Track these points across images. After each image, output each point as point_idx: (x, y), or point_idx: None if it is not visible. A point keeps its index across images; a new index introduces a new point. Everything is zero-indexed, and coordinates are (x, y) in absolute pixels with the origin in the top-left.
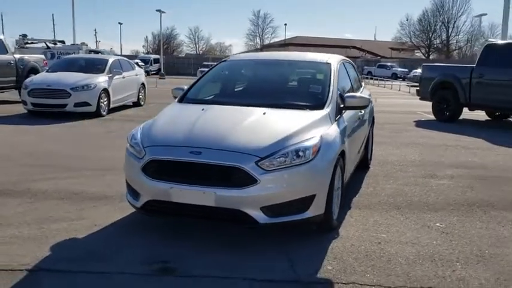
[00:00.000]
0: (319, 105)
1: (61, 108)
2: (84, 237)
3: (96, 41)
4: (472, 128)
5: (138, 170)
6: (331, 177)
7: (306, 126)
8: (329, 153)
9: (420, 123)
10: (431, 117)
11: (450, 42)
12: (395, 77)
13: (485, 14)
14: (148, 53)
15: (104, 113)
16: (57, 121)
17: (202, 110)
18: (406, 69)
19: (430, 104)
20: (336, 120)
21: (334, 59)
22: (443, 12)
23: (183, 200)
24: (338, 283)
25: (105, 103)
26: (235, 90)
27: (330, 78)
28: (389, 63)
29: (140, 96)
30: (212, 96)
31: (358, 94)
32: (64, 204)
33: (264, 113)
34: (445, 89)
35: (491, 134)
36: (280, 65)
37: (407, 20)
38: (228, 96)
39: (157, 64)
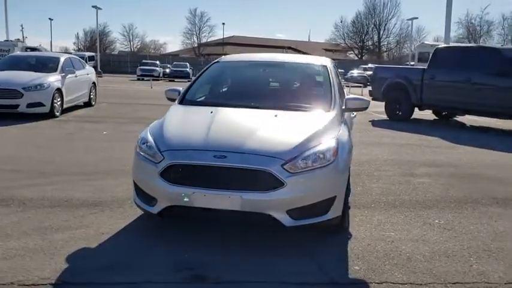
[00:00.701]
0: (326, 108)
1: (13, 109)
2: (96, 247)
3: (23, 37)
4: (426, 127)
5: (154, 175)
6: (347, 178)
7: (321, 129)
8: (345, 155)
9: (376, 123)
10: (384, 116)
11: (381, 44)
12: None
13: (417, 18)
14: (79, 50)
15: (58, 113)
16: (11, 122)
17: (211, 112)
18: (342, 70)
19: (378, 103)
20: (342, 122)
21: (328, 62)
22: (375, 15)
23: (207, 205)
24: (372, 283)
25: (58, 103)
26: (237, 92)
27: (330, 80)
28: None
29: (91, 96)
30: (214, 98)
31: (358, 96)
32: (58, 212)
33: (276, 116)
34: (398, 90)
35: (446, 133)
36: (277, 66)
37: (341, 21)
38: (232, 98)
39: (92, 62)
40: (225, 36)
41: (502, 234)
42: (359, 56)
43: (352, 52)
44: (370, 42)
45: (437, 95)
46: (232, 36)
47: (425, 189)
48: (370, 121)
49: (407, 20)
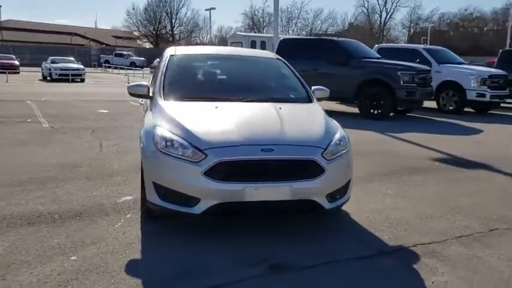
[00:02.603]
0: (308, 99)
1: None
2: (144, 257)
3: None
4: None
5: (196, 174)
6: None
7: (325, 118)
8: (349, 141)
9: None
10: None
11: (175, 32)
12: (134, 65)
13: (214, 8)
14: None
15: None
16: None
17: (216, 107)
18: (143, 58)
19: None
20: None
21: (276, 55)
22: (166, 4)
23: (257, 198)
24: (410, 247)
25: None
26: (221, 85)
27: (294, 72)
28: (125, 52)
29: None
30: (200, 92)
31: (321, 87)
32: (47, 228)
33: (280, 108)
34: None
35: None
36: (241, 60)
37: (133, 9)
38: (219, 91)
39: None
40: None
41: (444, 196)
42: (154, 45)
43: (147, 40)
44: (164, 31)
45: None
46: (9, 20)
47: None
48: None
49: (205, 10)
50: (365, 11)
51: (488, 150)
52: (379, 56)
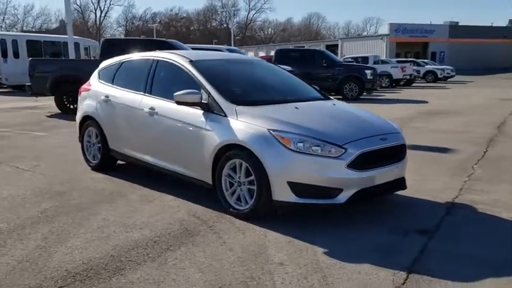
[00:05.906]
0: (325, 96)
1: None
2: (326, 249)
3: None
4: None
5: (340, 168)
6: None
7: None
8: None
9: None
10: (53, 111)
11: None
12: None
13: None
14: None
15: None
16: None
17: (296, 108)
18: None
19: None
20: None
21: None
22: None
23: (382, 181)
24: (455, 202)
25: None
26: (267, 89)
27: (291, 73)
28: None
29: None
30: (260, 96)
31: (315, 86)
32: (215, 243)
33: (334, 104)
34: (69, 83)
35: None
36: (252, 64)
37: None
38: (271, 94)
39: None
40: None
41: None
42: None
43: None
44: None
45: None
46: None
47: None
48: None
49: None
50: (78, 8)
51: None
52: None
